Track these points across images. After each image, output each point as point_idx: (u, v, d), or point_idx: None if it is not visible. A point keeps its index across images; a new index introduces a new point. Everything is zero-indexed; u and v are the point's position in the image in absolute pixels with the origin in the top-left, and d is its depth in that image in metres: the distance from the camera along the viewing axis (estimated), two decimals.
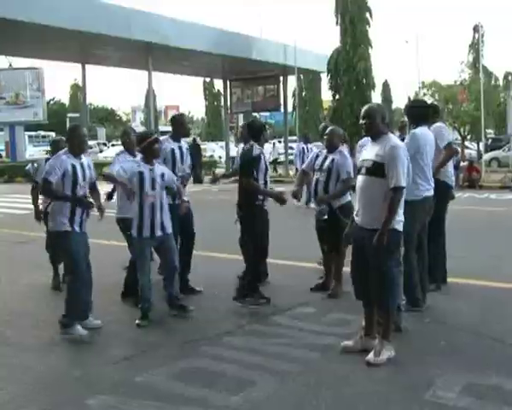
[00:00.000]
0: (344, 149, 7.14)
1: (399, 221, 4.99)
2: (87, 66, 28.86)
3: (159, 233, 6.11)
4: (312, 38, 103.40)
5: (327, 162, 6.89)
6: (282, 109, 34.72)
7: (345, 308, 6.50)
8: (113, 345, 5.64)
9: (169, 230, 6.20)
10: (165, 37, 23.45)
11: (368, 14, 30.10)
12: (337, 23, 30.00)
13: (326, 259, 7.23)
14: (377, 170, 4.97)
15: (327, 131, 7.10)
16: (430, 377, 4.67)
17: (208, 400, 4.37)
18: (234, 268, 7.39)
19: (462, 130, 36.98)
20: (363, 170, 5.11)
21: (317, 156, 7.08)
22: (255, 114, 33.56)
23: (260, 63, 29.38)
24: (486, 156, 28.06)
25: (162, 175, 6.17)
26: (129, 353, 5.36)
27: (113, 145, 49.98)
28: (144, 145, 6.13)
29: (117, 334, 6.00)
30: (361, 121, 5.19)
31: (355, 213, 5.23)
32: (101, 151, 47.09)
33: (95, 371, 5.00)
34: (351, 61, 29.35)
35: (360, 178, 5.15)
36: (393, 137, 5.16)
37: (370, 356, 4.97)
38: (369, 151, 5.19)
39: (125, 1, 44.48)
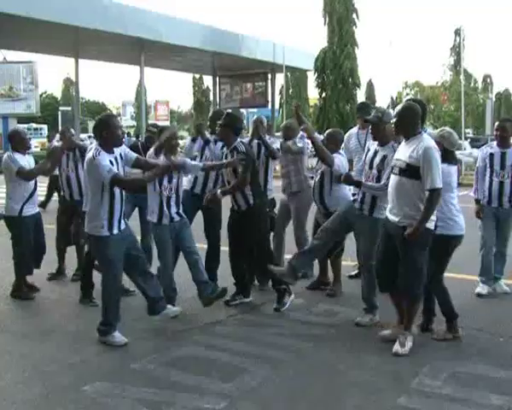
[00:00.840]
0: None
1: (431, 221, 4.92)
2: (80, 60, 28.66)
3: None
4: (300, 37, 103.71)
5: (321, 165, 6.53)
6: (270, 106, 34.71)
7: (333, 300, 6.54)
8: None
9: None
10: (157, 33, 23.34)
11: (355, 15, 30.20)
12: (325, 23, 30.08)
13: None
14: (411, 172, 4.84)
15: (325, 135, 6.75)
16: (417, 366, 4.70)
17: (202, 387, 4.36)
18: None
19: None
20: (396, 170, 4.98)
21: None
22: (243, 110, 33.51)
23: (249, 60, 29.36)
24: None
25: None
26: (123, 340, 5.33)
27: None
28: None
29: None
30: (393, 120, 5.06)
31: (388, 209, 5.13)
32: (91, 144, 46.73)
33: (91, 358, 4.97)
34: (337, 61, 29.44)
35: (393, 178, 5.02)
36: (427, 138, 4.95)
37: (397, 348, 4.98)
38: (401, 151, 5.02)
39: None
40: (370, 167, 5.57)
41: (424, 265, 5.01)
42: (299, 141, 7.04)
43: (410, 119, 4.96)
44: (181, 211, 6.09)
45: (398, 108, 5.14)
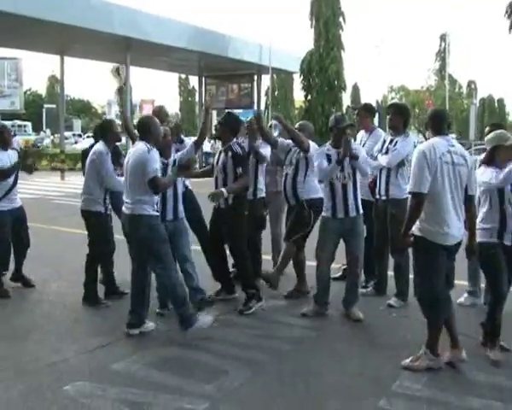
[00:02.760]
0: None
1: (417, 227, 4.66)
2: (65, 58, 28.47)
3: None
4: (287, 40, 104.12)
5: (295, 156, 6.56)
6: (256, 107, 34.72)
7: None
8: (90, 333, 5.59)
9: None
10: (144, 32, 23.25)
11: (341, 19, 30.34)
12: (311, 26, 30.20)
13: (295, 259, 6.85)
14: None
15: (296, 126, 6.78)
16: (397, 369, 4.73)
17: (183, 388, 4.36)
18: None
19: (427, 134, 37.38)
20: None
21: (290, 151, 6.69)
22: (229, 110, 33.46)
23: (236, 61, 29.34)
24: None
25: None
26: (105, 341, 5.31)
27: (88, 137, 49.42)
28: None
29: (92, 323, 5.96)
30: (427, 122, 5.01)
31: None
32: (76, 142, 46.58)
33: (71, 358, 4.95)
34: (323, 63, 29.57)
35: None
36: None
37: (407, 361, 4.80)
38: None
39: None
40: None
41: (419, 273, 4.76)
42: (275, 129, 7.07)
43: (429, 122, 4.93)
44: (179, 211, 6.09)
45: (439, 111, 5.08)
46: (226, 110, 6.84)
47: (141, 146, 5.33)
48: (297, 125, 6.82)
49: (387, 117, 6.67)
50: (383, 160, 6.39)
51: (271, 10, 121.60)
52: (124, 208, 5.45)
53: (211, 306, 6.12)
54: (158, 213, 5.48)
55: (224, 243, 6.50)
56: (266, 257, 7.39)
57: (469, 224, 4.82)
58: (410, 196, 4.68)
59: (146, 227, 5.30)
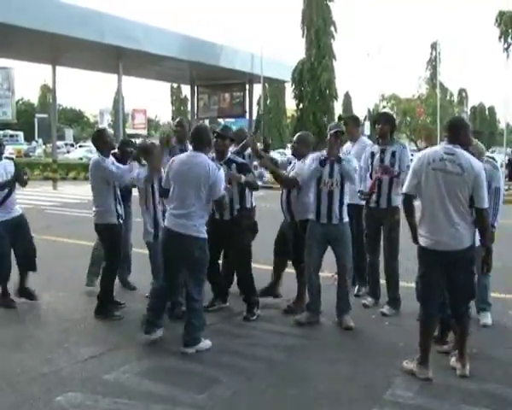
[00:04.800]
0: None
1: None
2: (57, 67, 28.44)
3: None
4: (278, 49, 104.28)
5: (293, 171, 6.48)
6: (248, 116, 34.77)
7: None
8: (81, 343, 5.54)
9: None
10: (135, 42, 23.26)
11: (332, 28, 30.47)
12: (303, 35, 30.29)
13: (276, 263, 6.85)
14: None
15: (294, 138, 6.74)
16: (389, 377, 4.74)
17: (176, 397, 4.35)
18: None
19: (418, 142, 37.59)
20: None
21: (290, 163, 6.70)
22: (220, 119, 33.54)
23: (227, 71, 29.39)
24: None
25: None
26: (97, 351, 5.28)
27: (80, 146, 49.40)
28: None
29: (84, 333, 5.91)
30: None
31: None
32: (68, 152, 46.50)
33: (63, 368, 4.91)
34: (315, 72, 29.66)
35: None
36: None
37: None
38: None
39: (97, 4, 44.16)
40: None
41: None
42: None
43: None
44: None
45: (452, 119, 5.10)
46: (222, 123, 6.85)
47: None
48: (295, 138, 6.70)
49: (376, 126, 6.71)
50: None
51: (263, 20, 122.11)
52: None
53: None
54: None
55: (220, 253, 6.51)
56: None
57: (481, 238, 4.73)
58: None
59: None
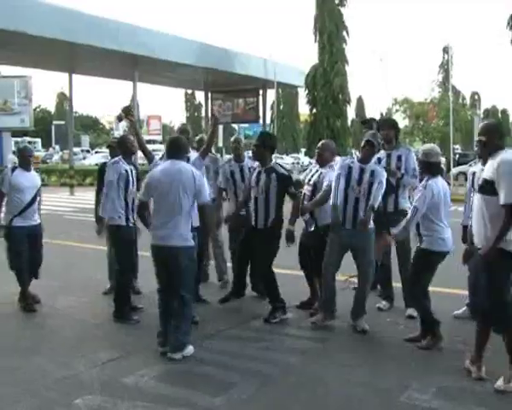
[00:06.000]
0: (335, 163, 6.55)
1: (510, 241, 4.43)
2: (74, 75, 28.65)
3: None
4: (291, 54, 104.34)
5: (315, 177, 6.56)
6: (261, 121, 34.81)
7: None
8: (99, 347, 5.56)
9: None
10: (151, 49, 23.38)
11: (345, 33, 30.40)
12: (315, 40, 30.25)
13: (306, 275, 6.84)
14: (486, 187, 4.50)
15: (318, 145, 6.71)
16: (405, 380, 4.70)
17: (193, 401, 4.34)
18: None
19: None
20: (477, 188, 4.70)
21: (310, 170, 6.78)
22: (235, 125, 33.62)
23: (241, 77, 29.44)
24: (454, 171, 28.29)
25: None
26: (114, 355, 5.30)
27: (96, 152, 49.72)
28: None
29: (102, 337, 5.94)
30: (478, 138, 4.77)
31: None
32: (84, 158, 46.80)
33: (81, 372, 4.93)
34: (328, 77, 29.60)
35: (474, 198, 4.82)
36: (506, 153, 4.54)
37: (499, 383, 4.52)
38: (485, 169, 4.66)
39: (112, 13, 44.43)
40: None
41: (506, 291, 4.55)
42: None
43: (495, 136, 4.67)
44: None
45: (483, 124, 4.84)
46: (260, 131, 6.91)
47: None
48: (319, 145, 6.71)
49: (381, 132, 6.70)
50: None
51: (276, 26, 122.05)
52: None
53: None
54: None
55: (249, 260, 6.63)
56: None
57: None
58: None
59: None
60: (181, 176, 5.22)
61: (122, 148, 6.53)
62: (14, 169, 6.90)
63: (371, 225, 5.99)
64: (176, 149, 5.42)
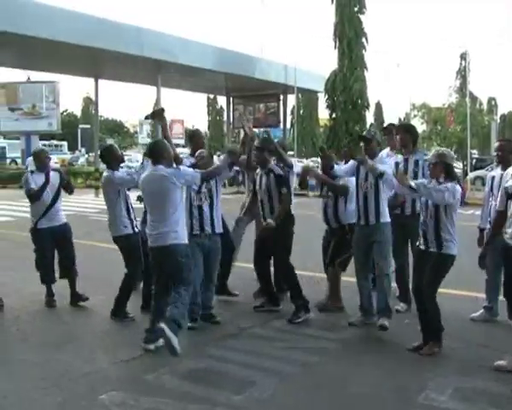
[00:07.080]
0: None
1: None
2: (99, 80, 28.92)
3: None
4: (312, 60, 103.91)
5: None
6: (282, 126, 34.83)
7: (340, 314, 6.51)
8: (122, 344, 5.62)
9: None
10: (174, 55, 23.53)
11: (364, 39, 30.27)
12: (335, 47, 30.14)
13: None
14: None
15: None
16: (422, 380, 4.66)
17: (213, 398, 4.35)
18: (241, 275, 7.50)
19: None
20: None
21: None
22: (255, 129, 33.56)
23: (262, 82, 29.49)
24: (471, 175, 28.03)
25: None
26: (138, 352, 5.32)
27: None
28: None
29: (125, 334, 5.98)
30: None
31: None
32: None
33: (106, 368, 4.98)
34: (347, 83, 29.45)
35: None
36: None
37: None
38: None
39: (135, 19, 44.75)
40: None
41: None
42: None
43: None
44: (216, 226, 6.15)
45: None
46: (263, 133, 6.93)
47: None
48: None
49: (397, 137, 6.68)
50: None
51: (297, 32, 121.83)
52: None
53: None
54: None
55: (270, 259, 6.60)
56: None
57: None
58: None
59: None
60: (160, 181, 5.24)
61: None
62: (32, 172, 6.99)
63: (387, 219, 5.98)
64: (155, 154, 5.41)
